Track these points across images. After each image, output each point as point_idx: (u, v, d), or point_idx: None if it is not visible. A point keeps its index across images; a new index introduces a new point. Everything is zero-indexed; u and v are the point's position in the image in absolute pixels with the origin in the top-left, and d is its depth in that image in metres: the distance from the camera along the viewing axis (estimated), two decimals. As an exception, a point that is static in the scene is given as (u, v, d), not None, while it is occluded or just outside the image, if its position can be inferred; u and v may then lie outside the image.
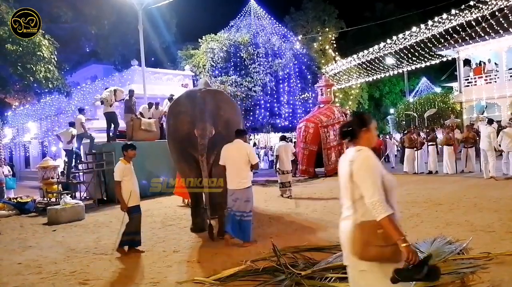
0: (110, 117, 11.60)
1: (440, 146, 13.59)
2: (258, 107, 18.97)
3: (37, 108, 22.70)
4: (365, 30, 31.22)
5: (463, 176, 11.59)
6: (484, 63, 21.38)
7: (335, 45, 32.11)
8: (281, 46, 20.74)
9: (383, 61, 26.19)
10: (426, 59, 23.89)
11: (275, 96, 19.67)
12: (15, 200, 10.22)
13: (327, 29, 31.65)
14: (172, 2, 18.68)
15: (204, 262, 4.76)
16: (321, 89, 16.48)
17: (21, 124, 24.42)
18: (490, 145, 10.40)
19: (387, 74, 27.33)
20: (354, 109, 30.34)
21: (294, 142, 19.43)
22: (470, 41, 20.24)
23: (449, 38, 20.99)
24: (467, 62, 22.33)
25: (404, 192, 9.25)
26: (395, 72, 27.37)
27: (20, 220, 9.03)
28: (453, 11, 18.60)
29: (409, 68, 26.48)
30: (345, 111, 16.52)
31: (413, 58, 24.04)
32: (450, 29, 20.12)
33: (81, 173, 11.83)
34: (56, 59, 14.49)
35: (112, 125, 11.67)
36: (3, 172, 12.31)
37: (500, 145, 10.49)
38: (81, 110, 11.65)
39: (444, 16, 19.02)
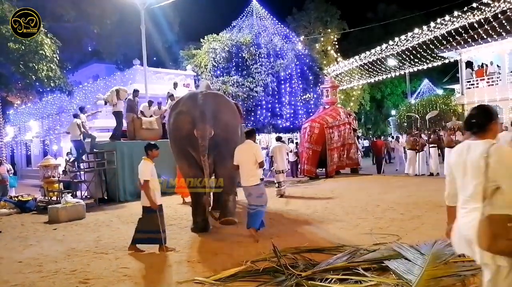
0: (116, 117, 11.68)
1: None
2: (259, 107, 18.96)
3: (39, 107, 22.74)
4: (367, 31, 31.22)
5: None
6: (486, 65, 21.33)
7: (337, 46, 32.10)
8: (283, 46, 20.74)
9: (385, 62, 26.17)
10: (428, 61, 23.85)
11: (277, 96, 19.66)
12: (16, 199, 10.25)
13: (329, 30, 31.65)
14: (175, 2, 18.71)
15: (205, 262, 4.76)
16: (326, 90, 16.50)
17: (22, 123, 24.46)
18: None
19: (389, 76, 27.31)
20: (356, 111, 30.36)
21: (296, 142, 19.44)
22: (473, 43, 20.19)
23: (451, 40, 20.94)
24: (469, 64, 22.28)
25: (405, 194, 9.24)
26: (397, 74, 27.35)
27: (21, 218, 9.05)
28: (455, 13, 18.58)
29: (411, 70, 26.46)
30: (350, 113, 16.51)
31: (415, 60, 24.01)
32: (452, 31, 20.08)
33: (82, 172, 11.84)
34: (58, 58, 14.52)
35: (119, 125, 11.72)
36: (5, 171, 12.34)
37: None
38: (81, 109, 11.58)
39: (447, 17, 18.99)
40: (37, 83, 14.53)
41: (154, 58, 24.24)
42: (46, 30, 13.93)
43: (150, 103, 13.02)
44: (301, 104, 20.64)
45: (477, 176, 2.20)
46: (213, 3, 33.48)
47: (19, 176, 19.08)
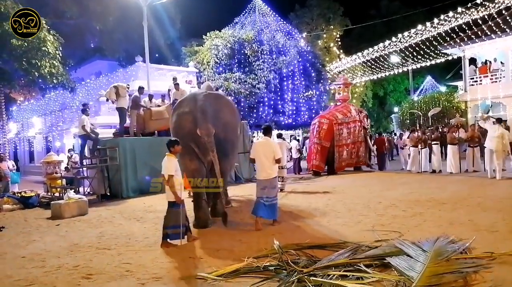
0: (119, 113, 11.71)
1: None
2: (261, 104, 18.95)
3: (42, 103, 22.81)
4: (370, 28, 31.11)
5: (467, 176, 11.53)
6: (490, 62, 21.21)
7: (339, 43, 32.00)
8: (285, 43, 20.68)
9: (388, 59, 26.07)
10: (431, 58, 23.76)
11: (279, 93, 19.63)
12: (19, 195, 10.29)
13: (332, 26, 31.53)
14: (177, -2, 18.68)
15: (207, 258, 4.77)
16: (339, 87, 16.50)
17: (25, 119, 24.55)
18: (498, 145, 10.07)
19: (391, 73, 27.22)
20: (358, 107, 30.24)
21: (298, 139, 19.42)
22: (476, 40, 20.08)
23: (454, 37, 20.84)
24: (472, 61, 22.17)
25: (407, 191, 9.23)
26: (400, 71, 27.26)
27: (24, 214, 9.10)
28: (459, 9, 18.48)
29: (414, 67, 26.35)
30: (362, 110, 16.45)
31: (418, 57, 23.92)
32: (456, 28, 19.99)
33: (84, 169, 11.88)
34: (60, 55, 14.54)
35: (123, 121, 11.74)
36: (8, 167, 12.40)
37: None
38: (84, 111, 11.53)
39: (450, 14, 18.89)
40: (40, 80, 14.56)
41: (156, 55, 24.23)
42: (48, 27, 13.95)
43: (151, 97, 13.03)
44: (304, 101, 20.60)
45: None
46: (216, -1, 33.43)
47: (22, 172, 19.17)
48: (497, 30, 19.04)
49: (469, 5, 17.97)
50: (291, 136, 19.71)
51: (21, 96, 23.09)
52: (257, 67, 19.05)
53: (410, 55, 24.07)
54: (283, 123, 19.85)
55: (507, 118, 17.18)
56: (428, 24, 19.96)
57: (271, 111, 19.29)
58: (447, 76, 30.13)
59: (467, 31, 20.33)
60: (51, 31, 14.00)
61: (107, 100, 12.09)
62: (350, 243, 4.79)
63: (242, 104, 18.40)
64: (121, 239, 5.98)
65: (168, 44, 24.48)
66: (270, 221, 6.37)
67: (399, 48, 23.38)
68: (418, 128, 14.83)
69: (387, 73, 27.27)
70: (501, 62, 20.84)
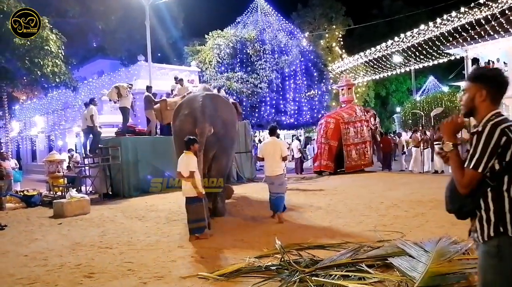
0: (122, 112, 11.79)
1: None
2: (263, 103, 18.95)
3: (44, 102, 22.87)
4: (372, 27, 31.06)
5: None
6: (493, 62, 21.11)
7: (342, 43, 31.96)
8: (287, 43, 20.67)
9: (390, 59, 26.01)
10: (433, 58, 23.69)
11: (281, 93, 19.63)
12: (21, 193, 10.33)
13: (334, 26, 31.49)
14: (179, -3, 18.69)
15: (208, 258, 4.78)
16: (342, 89, 16.54)
17: (28, 118, 24.62)
18: None
19: (394, 72, 27.16)
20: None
21: (299, 139, 19.40)
22: (479, 40, 20.00)
23: (457, 37, 20.76)
24: (475, 61, 22.07)
25: (409, 191, 9.21)
26: (402, 71, 27.20)
27: (26, 213, 9.12)
28: (462, 9, 18.42)
29: (416, 67, 26.28)
30: (369, 110, 16.42)
31: (421, 57, 23.85)
32: (459, 27, 19.92)
33: (87, 167, 11.91)
34: (63, 54, 14.56)
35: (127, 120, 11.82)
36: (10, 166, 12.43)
37: None
38: (92, 101, 11.55)
39: (453, 14, 18.83)
40: (42, 79, 14.60)
41: (159, 54, 24.26)
42: (51, 26, 13.97)
43: (154, 95, 13.08)
44: (305, 100, 20.59)
45: None
46: (218, -1, 33.42)
47: (24, 171, 19.22)
48: (500, 30, 18.96)
49: (472, 5, 17.91)
50: (293, 136, 19.70)
51: (23, 95, 23.16)
52: (259, 67, 19.05)
53: (412, 55, 24.01)
54: (285, 122, 19.85)
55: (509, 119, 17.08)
56: (430, 24, 19.90)
57: (273, 110, 19.29)
58: (450, 76, 30.01)
59: (470, 31, 20.25)
60: (53, 30, 14.01)
61: (110, 100, 12.18)
62: (352, 243, 4.78)
63: (244, 104, 18.41)
64: (123, 238, 5.99)
65: (170, 43, 24.50)
66: (267, 227, 6.29)
67: (401, 48, 23.32)
68: (420, 128, 14.79)
69: (389, 73, 27.21)
70: (504, 62, 20.73)
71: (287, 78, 19.81)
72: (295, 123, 20.41)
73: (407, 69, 27.10)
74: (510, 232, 1.79)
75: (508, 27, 18.68)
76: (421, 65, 25.14)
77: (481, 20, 19.20)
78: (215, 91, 13.81)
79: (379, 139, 15.15)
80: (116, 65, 23.82)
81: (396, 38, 21.91)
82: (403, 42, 22.09)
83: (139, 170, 10.95)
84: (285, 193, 6.94)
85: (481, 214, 1.89)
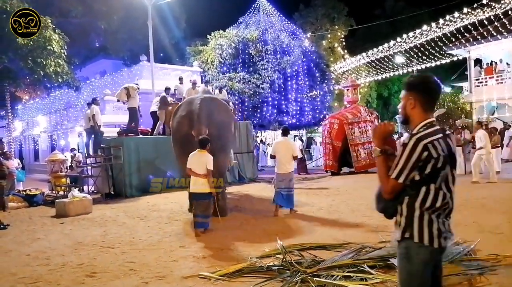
0: (130, 113, 11.88)
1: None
2: (265, 104, 18.93)
3: (47, 102, 22.93)
4: (375, 28, 30.95)
5: (471, 177, 11.45)
6: (496, 63, 21.06)
7: (344, 43, 31.89)
8: (289, 43, 20.65)
9: (392, 59, 25.95)
10: (436, 58, 23.61)
11: (283, 93, 19.61)
12: (24, 193, 10.35)
13: (336, 26, 31.43)
14: (182, -3, 18.71)
15: (210, 258, 4.78)
16: (347, 89, 16.57)
17: (31, 118, 24.69)
18: None
19: (396, 73, 27.07)
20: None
21: (302, 139, 19.39)
22: (482, 41, 19.94)
23: (460, 37, 20.70)
24: (478, 62, 22.02)
25: (412, 192, 9.17)
26: (405, 71, 27.09)
27: (29, 212, 9.15)
28: (465, 10, 18.35)
29: (418, 67, 26.14)
30: (373, 111, 16.44)
31: (423, 57, 23.78)
32: (461, 28, 19.85)
33: (89, 167, 11.93)
34: (66, 54, 14.60)
35: (135, 120, 11.89)
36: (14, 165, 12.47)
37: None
38: (94, 100, 11.58)
39: (456, 14, 18.77)
40: (45, 79, 14.64)
41: (161, 54, 24.27)
42: (54, 26, 14.01)
43: (173, 96, 13.19)
44: (308, 101, 20.57)
45: None
46: (220, -1, 33.42)
47: (27, 170, 19.27)
48: (503, 30, 18.90)
49: (475, 5, 17.84)
50: (295, 136, 19.69)
51: (26, 94, 23.24)
52: (261, 67, 19.04)
53: (415, 55, 23.93)
54: (287, 123, 19.83)
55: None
56: (433, 24, 19.84)
57: (275, 111, 19.27)
58: (452, 77, 29.93)
59: (473, 32, 20.19)
60: (56, 30, 14.05)
61: (118, 100, 12.35)
62: (354, 244, 4.78)
63: (246, 104, 18.41)
64: (125, 238, 6.00)
65: (172, 43, 24.51)
66: (269, 227, 6.35)
67: (404, 49, 23.26)
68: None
69: (391, 74, 27.13)
70: (507, 63, 20.69)
71: (289, 79, 19.80)
72: (297, 123, 20.39)
73: (410, 69, 27.00)
74: (416, 238, 1.94)
75: (511, 27, 18.62)
76: (423, 66, 25.03)
77: (484, 21, 19.14)
78: (216, 91, 13.98)
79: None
80: (118, 65, 23.85)
81: (398, 39, 21.85)
82: (406, 42, 22.03)
83: (141, 170, 10.97)
84: (293, 188, 7.47)
85: (397, 217, 2.04)
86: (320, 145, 20.35)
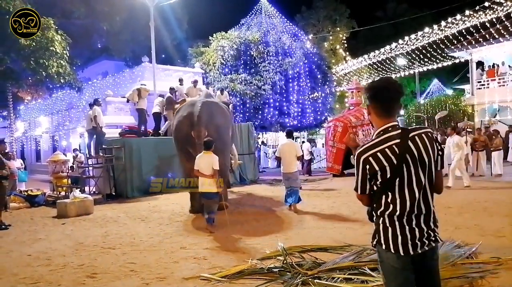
0: (139, 114, 12.19)
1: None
2: (267, 105, 18.94)
3: (49, 103, 22.97)
4: (376, 30, 30.97)
5: (473, 180, 11.42)
6: (498, 65, 21.02)
7: (346, 45, 31.92)
8: (291, 45, 20.67)
9: (394, 61, 25.95)
10: (438, 61, 23.61)
11: (285, 95, 19.61)
12: (25, 193, 10.37)
13: (338, 28, 31.46)
14: (184, -1, 18.75)
15: (211, 259, 4.78)
16: (351, 91, 16.63)
17: (33, 118, 24.73)
18: None
19: (398, 75, 27.08)
20: (364, 110, 30.12)
21: (303, 141, 19.39)
22: (484, 43, 19.91)
23: (462, 40, 20.68)
24: (480, 64, 21.99)
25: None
26: (406, 73, 27.10)
27: (30, 212, 9.17)
28: (467, 12, 18.34)
29: (420, 69, 26.19)
30: None
31: (425, 59, 23.78)
32: (463, 30, 19.84)
33: (90, 168, 11.95)
34: (68, 55, 14.64)
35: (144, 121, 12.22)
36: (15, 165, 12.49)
37: None
38: (96, 101, 11.60)
39: (458, 17, 18.76)
40: (47, 79, 14.68)
41: (163, 55, 24.32)
42: (56, 27, 14.06)
43: (162, 97, 13.20)
44: (309, 103, 20.56)
45: None
46: (222, 0, 33.51)
47: (28, 171, 19.29)
48: (505, 33, 18.87)
49: (477, 8, 17.83)
50: (296, 138, 19.66)
51: (28, 95, 23.28)
52: (263, 69, 19.05)
53: (416, 57, 23.94)
54: (288, 124, 19.83)
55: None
56: (435, 26, 19.84)
57: (277, 112, 19.27)
58: (454, 79, 29.91)
59: (475, 34, 20.17)
60: (59, 31, 14.09)
61: (128, 101, 12.81)
62: (355, 246, 4.76)
63: (247, 106, 18.42)
64: (126, 239, 6.00)
65: (174, 44, 24.57)
66: (270, 229, 6.48)
67: (405, 51, 23.27)
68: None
69: (393, 76, 27.12)
70: (509, 66, 20.64)
71: (290, 80, 19.80)
72: (299, 125, 20.38)
73: (411, 71, 27.02)
74: (382, 245, 1.99)
75: (513, 30, 18.59)
76: (425, 68, 25.06)
77: (486, 23, 19.11)
78: (218, 93, 14.01)
79: None
80: (120, 66, 23.91)
81: (400, 41, 21.86)
82: (408, 44, 22.04)
83: (143, 171, 10.98)
84: (299, 187, 8.00)
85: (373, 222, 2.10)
86: (322, 147, 20.38)
